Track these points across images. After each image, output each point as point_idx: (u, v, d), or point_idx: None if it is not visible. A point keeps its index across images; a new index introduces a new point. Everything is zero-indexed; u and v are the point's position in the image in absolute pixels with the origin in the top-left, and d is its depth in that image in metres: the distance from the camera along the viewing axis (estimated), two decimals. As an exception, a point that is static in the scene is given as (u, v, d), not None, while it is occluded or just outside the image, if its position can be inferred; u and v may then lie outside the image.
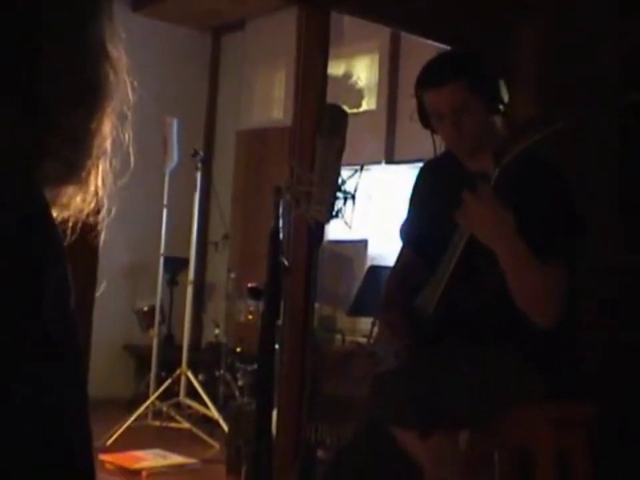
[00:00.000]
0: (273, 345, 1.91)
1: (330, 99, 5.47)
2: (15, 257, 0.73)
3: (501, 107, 2.58)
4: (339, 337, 4.96)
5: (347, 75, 5.77)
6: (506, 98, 2.58)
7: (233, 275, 5.89)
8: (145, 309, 6.03)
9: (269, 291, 1.91)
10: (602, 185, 3.43)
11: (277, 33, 5.98)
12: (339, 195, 2.32)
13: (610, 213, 3.41)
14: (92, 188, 0.92)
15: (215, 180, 6.79)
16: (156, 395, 5.43)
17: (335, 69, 5.72)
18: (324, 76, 3.41)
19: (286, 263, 1.96)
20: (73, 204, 0.91)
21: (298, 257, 3.29)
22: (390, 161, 5.55)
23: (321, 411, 3.92)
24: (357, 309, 4.51)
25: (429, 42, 3.83)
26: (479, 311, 2.54)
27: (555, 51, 3.66)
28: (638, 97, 3.60)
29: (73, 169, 0.87)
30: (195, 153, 5.63)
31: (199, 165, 5.68)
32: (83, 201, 0.92)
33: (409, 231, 2.83)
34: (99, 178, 0.93)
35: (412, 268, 2.79)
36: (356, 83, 5.76)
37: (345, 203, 2.37)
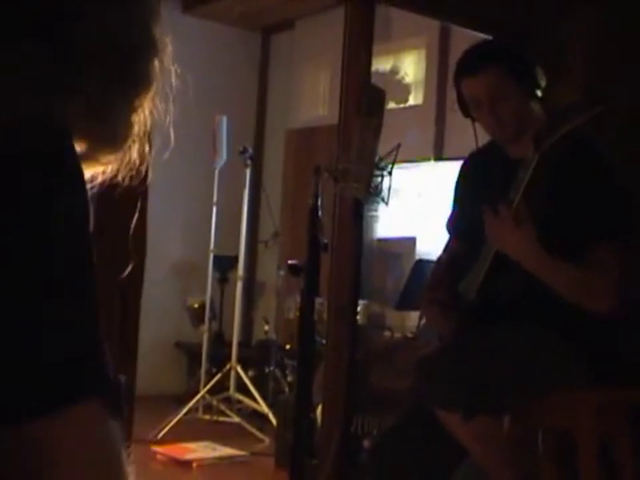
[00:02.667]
0: (312, 321, 1.94)
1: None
2: (28, 170, 0.71)
3: (539, 92, 2.59)
4: (387, 333, 4.97)
5: (394, 71, 5.78)
6: (543, 83, 2.59)
7: (282, 273, 5.92)
8: (196, 305, 6.10)
9: (308, 267, 1.95)
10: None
11: (325, 31, 6.00)
12: (377, 172, 2.35)
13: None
14: (128, 157, 0.92)
15: (265, 178, 6.84)
16: (206, 389, 5.48)
17: (382, 64, 5.74)
18: (368, 67, 3.43)
19: (325, 240, 2.00)
20: (104, 161, 0.90)
21: (340, 236, 3.31)
22: (439, 157, 5.55)
23: (368, 404, 3.95)
24: (404, 303, 4.50)
25: (479, 35, 3.84)
26: (520, 295, 2.55)
27: (604, 36, 3.64)
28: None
29: (108, 127, 0.87)
30: (244, 150, 5.66)
31: (248, 162, 5.71)
32: (118, 162, 0.92)
33: (455, 223, 2.85)
34: (136, 152, 0.93)
35: (459, 257, 2.81)
36: (403, 78, 5.77)
37: (382, 181, 2.39)
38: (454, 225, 2.85)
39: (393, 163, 2.40)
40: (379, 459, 2.61)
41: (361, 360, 4.11)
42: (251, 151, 5.79)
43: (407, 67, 5.76)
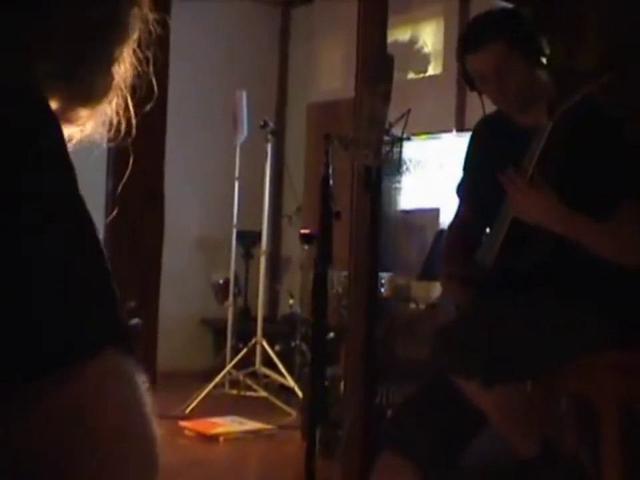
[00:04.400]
0: (326, 290, 1.94)
1: (396, 64, 5.49)
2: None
3: (544, 59, 2.57)
4: (413, 305, 4.97)
5: (413, 40, 5.76)
6: (547, 50, 2.57)
7: (306, 247, 5.93)
8: (221, 281, 6.13)
9: (320, 235, 1.95)
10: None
11: (345, 4, 5.98)
12: (388, 139, 2.34)
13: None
14: (104, 115, 0.90)
15: (287, 152, 6.84)
16: (232, 364, 5.52)
17: (401, 34, 5.73)
18: (383, 38, 3.42)
19: (337, 209, 2.01)
20: (82, 119, 0.88)
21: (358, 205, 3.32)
22: (461, 128, 5.52)
23: (393, 375, 3.97)
24: (427, 273, 4.51)
25: (498, 2, 3.81)
26: (537, 263, 2.55)
27: (618, 3, 3.62)
28: None
29: (84, 83, 0.85)
30: (265, 124, 5.66)
31: (269, 136, 5.72)
32: (93, 122, 0.90)
33: (465, 190, 2.85)
34: (117, 106, 0.90)
35: (469, 225, 2.82)
36: (422, 47, 5.75)
37: (392, 148, 2.39)
38: (464, 191, 2.85)
39: (404, 129, 2.39)
40: (399, 427, 2.63)
41: (385, 331, 4.13)
42: (272, 125, 5.80)
43: (426, 36, 5.74)
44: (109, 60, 0.86)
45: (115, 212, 2.86)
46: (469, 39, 2.62)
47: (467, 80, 2.67)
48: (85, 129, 0.90)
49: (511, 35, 2.55)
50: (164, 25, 0.98)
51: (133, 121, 0.96)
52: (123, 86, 0.89)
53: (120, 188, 2.78)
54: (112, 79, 0.87)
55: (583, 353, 2.46)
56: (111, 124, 0.96)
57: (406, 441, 2.55)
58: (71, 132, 0.89)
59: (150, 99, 1.05)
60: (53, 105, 0.82)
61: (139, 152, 2.91)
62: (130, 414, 0.71)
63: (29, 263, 0.69)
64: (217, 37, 6.55)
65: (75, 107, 0.87)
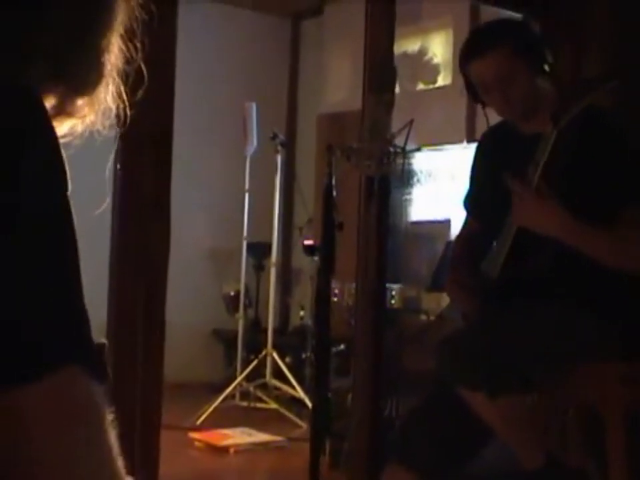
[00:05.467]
0: (329, 301, 1.95)
1: (405, 75, 5.51)
2: None
3: (546, 67, 2.58)
4: (424, 316, 4.97)
5: (422, 52, 5.77)
6: (551, 59, 2.58)
7: (317, 259, 5.92)
8: (232, 293, 6.13)
9: (323, 246, 1.96)
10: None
11: (354, 16, 5.96)
12: (390, 149, 2.35)
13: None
14: (102, 103, 0.88)
15: (298, 164, 6.86)
16: (243, 376, 5.53)
17: (410, 45, 5.74)
18: (390, 49, 3.42)
19: (339, 220, 2.02)
20: (79, 112, 0.87)
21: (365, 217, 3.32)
22: (471, 139, 5.52)
23: (402, 387, 3.97)
24: (437, 284, 4.51)
25: (507, 13, 3.81)
26: (544, 272, 2.55)
27: (621, 13, 3.62)
28: None
29: (77, 77, 0.85)
30: (275, 136, 5.68)
31: (279, 148, 5.74)
32: (93, 112, 0.88)
33: (471, 201, 2.86)
34: (110, 94, 0.89)
35: (476, 236, 2.82)
36: (431, 59, 5.76)
37: (394, 158, 2.40)
38: (470, 202, 2.86)
39: (407, 140, 2.40)
40: (405, 439, 2.63)
41: (394, 342, 4.14)
42: (281, 136, 5.82)
43: (435, 47, 5.74)
44: (100, 49, 0.85)
45: (121, 223, 2.88)
46: (472, 46, 2.63)
47: (469, 90, 2.68)
48: (86, 119, 0.88)
49: (514, 42, 2.56)
50: (169, 26, 0.98)
51: (128, 111, 0.96)
52: (115, 75, 0.88)
53: (127, 198, 2.79)
54: (103, 68, 0.86)
55: (587, 362, 2.46)
56: (117, 116, 0.96)
57: (411, 453, 2.55)
58: (73, 124, 0.88)
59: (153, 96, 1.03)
60: (50, 100, 0.82)
61: (146, 163, 2.93)
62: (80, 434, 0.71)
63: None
64: (226, 48, 6.58)
65: (71, 99, 0.85)
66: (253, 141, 5.75)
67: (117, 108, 0.91)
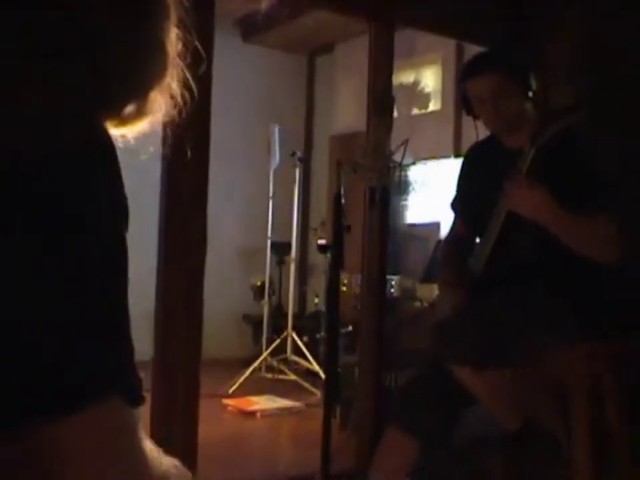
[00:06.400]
0: (339, 290, 1.93)
1: (402, 102, 5.47)
2: (70, 175, 0.66)
3: (531, 93, 2.56)
4: (418, 303, 4.95)
5: (416, 82, 5.75)
6: (534, 86, 2.56)
7: (328, 256, 5.89)
8: (258, 284, 6.12)
9: (333, 245, 1.94)
10: (631, 162, 3.34)
11: (359, 52, 5.96)
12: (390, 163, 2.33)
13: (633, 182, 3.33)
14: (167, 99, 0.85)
15: (313, 176, 6.86)
16: (267, 352, 5.52)
17: (406, 77, 5.72)
18: (389, 79, 3.40)
19: (347, 223, 2.01)
20: (153, 109, 0.83)
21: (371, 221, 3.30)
22: (458, 154, 5.50)
23: (400, 362, 3.94)
24: (428, 277, 4.49)
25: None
26: (521, 267, 2.53)
27: (588, 47, 3.58)
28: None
29: (132, 107, 0.81)
30: (294, 154, 5.67)
31: (298, 163, 5.73)
32: (162, 106, 0.84)
33: (459, 204, 2.83)
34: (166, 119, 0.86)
35: (463, 235, 2.80)
36: (424, 88, 5.73)
37: (392, 171, 2.38)
38: (458, 205, 2.83)
39: (403, 155, 2.38)
40: (402, 407, 2.61)
41: (394, 326, 4.11)
42: (299, 154, 5.80)
43: (427, 78, 5.72)
44: (150, 88, 0.81)
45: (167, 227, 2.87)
46: (472, 66, 2.62)
47: (464, 104, 2.66)
48: (159, 114, 0.84)
49: (507, 67, 2.55)
50: (207, 62, 0.94)
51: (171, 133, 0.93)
52: (162, 106, 0.84)
53: (171, 206, 2.77)
54: (149, 99, 0.82)
55: (557, 342, 2.43)
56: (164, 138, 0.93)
57: (407, 417, 2.54)
58: (123, 132, 0.84)
59: (194, 129, 1.00)
60: (130, 107, 0.80)
61: (187, 176, 2.91)
62: (120, 458, 0.67)
63: (56, 301, 0.64)
64: (255, 80, 6.58)
65: (145, 100, 0.82)
66: (275, 157, 5.76)
67: (164, 131, 0.89)
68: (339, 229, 1.89)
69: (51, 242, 0.64)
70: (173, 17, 0.82)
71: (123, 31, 0.77)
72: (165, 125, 0.89)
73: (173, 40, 0.83)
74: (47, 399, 0.62)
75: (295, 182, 5.75)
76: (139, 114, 0.82)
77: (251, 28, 6.48)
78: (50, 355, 0.63)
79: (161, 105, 0.83)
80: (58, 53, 0.71)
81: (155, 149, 0.98)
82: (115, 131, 0.82)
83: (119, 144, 0.81)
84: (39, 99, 0.67)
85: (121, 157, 0.74)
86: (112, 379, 0.66)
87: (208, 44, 2.69)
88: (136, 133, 0.85)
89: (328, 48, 6.77)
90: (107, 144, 0.71)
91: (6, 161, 0.63)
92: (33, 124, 0.66)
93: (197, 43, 0.88)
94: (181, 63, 0.84)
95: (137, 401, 0.68)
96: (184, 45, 0.85)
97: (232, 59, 5.99)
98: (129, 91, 0.80)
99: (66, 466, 0.63)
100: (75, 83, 0.71)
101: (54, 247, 0.64)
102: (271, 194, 5.85)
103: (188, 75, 0.86)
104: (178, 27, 0.83)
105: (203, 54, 0.95)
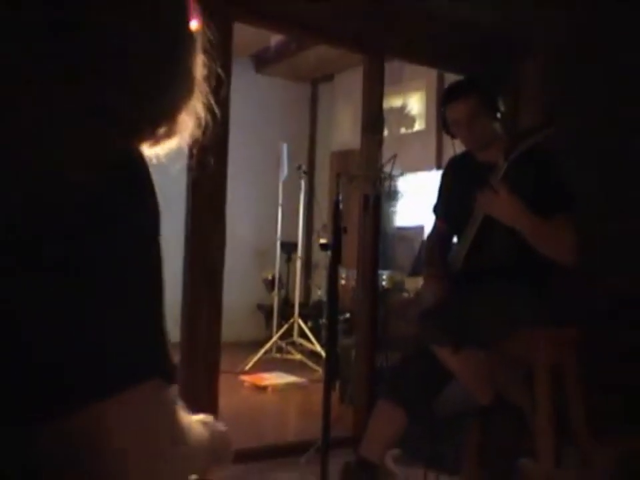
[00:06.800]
0: (337, 283, 1.92)
1: (391, 123, 5.45)
2: (110, 195, 0.64)
3: (499, 115, 2.55)
4: (406, 294, 4.93)
5: (404, 106, 5.74)
6: (503, 109, 2.55)
7: (329, 254, 5.87)
8: (269, 278, 6.12)
9: (333, 244, 1.93)
10: (588, 175, 3.33)
11: (355, 81, 5.96)
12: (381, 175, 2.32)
13: (591, 192, 3.33)
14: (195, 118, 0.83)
15: (316, 186, 6.83)
16: (277, 336, 5.52)
17: (395, 102, 5.71)
18: (380, 104, 3.39)
19: (344, 225, 2.00)
20: (182, 128, 0.81)
21: (365, 224, 3.29)
22: (439, 167, 5.48)
23: (390, 343, 3.93)
24: (414, 271, 4.48)
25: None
26: (494, 263, 2.52)
27: (551, 76, 3.58)
28: (616, 111, 3.48)
29: (162, 130, 0.79)
30: (299, 167, 5.67)
31: (303, 175, 5.72)
32: (190, 125, 0.83)
33: (440, 209, 2.82)
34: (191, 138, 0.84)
35: (443, 236, 2.78)
36: (410, 111, 5.72)
37: (383, 182, 2.36)
38: (439, 209, 2.82)
39: (391, 168, 2.37)
40: (392, 382, 2.60)
41: (385, 313, 4.10)
42: (304, 168, 5.81)
43: (413, 103, 5.70)
44: (179, 110, 0.79)
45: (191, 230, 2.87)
46: (450, 93, 2.60)
47: (444, 125, 2.63)
48: (186, 133, 0.82)
49: (480, 93, 2.53)
50: (224, 90, 0.93)
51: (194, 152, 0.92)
52: (186, 132, 0.82)
53: (195, 213, 2.77)
54: (178, 120, 0.80)
55: (523, 328, 2.42)
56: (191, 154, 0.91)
57: (396, 392, 2.52)
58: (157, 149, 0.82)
59: (213, 148, 0.99)
60: (147, 144, 0.78)
61: (208, 190, 2.91)
62: (162, 432, 0.66)
63: (104, 301, 0.63)
64: (266, 105, 6.57)
65: (174, 120, 0.80)
66: (284, 170, 5.75)
67: (190, 147, 0.88)
68: (337, 231, 1.88)
69: (101, 246, 0.63)
70: (199, 45, 0.80)
71: (157, 60, 0.75)
72: (191, 143, 0.88)
73: (199, 65, 0.81)
74: (99, 382, 0.62)
75: (300, 191, 5.75)
76: (170, 134, 0.80)
77: (263, 61, 6.47)
78: (102, 344, 0.62)
79: (187, 125, 0.82)
80: (100, 79, 0.69)
81: (182, 163, 0.97)
82: (150, 150, 0.80)
83: (153, 160, 0.79)
84: (82, 125, 0.66)
85: (155, 170, 0.73)
86: (153, 363, 0.65)
87: (226, 75, 2.69)
88: (167, 150, 0.83)
89: (328, 77, 6.77)
90: (142, 164, 0.70)
91: (58, 181, 0.62)
92: (78, 150, 0.64)
93: (218, 69, 0.87)
94: (206, 87, 0.83)
95: (174, 380, 0.67)
96: (208, 70, 0.83)
97: (247, 87, 5.97)
98: (162, 114, 0.78)
99: (115, 438, 0.62)
100: (115, 113, 0.69)
101: (105, 249, 0.63)
102: (280, 201, 5.84)
103: (211, 99, 0.84)
104: (203, 54, 0.82)
105: (224, 77, 0.93)
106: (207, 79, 0.83)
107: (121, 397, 0.62)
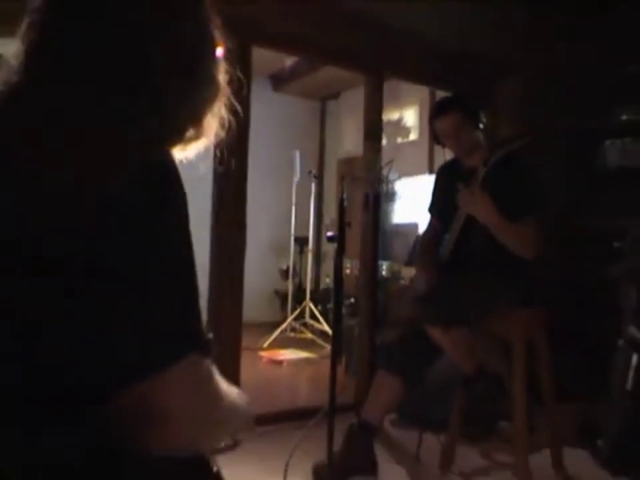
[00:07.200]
0: (342, 271, 1.93)
1: (389, 133, 5.44)
2: (148, 190, 0.64)
3: (481, 126, 2.54)
4: (402, 281, 4.93)
5: (400, 119, 5.72)
6: (484, 121, 2.55)
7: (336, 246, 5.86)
8: (284, 267, 6.13)
9: (338, 236, 1.94)
10: (557, 178, 3.34)
11: (359, 97, 5.94)
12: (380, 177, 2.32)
13: (560, 192, 3.33)
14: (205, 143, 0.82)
15: (325, 189, 6.85)
16: (291, 317, 5.53)
17: (393, 116, 5.69)
18: (379, 117, 3.40)
19: (348, 220, 2.00)
20: (207, 132, 0.80)
21: (367, 220, 3.29)
22: (431, 172, 5.47)
23: (388, 322, 3.94)
24: (410, 262, 4.48)
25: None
26: (475, 255, 2.52)
27: (526, 94, 3.57)
28: (586, 125, 3.49)
29: (189, 134, 0.79)
30: (310, 172, 5.69)
31: (314, 179, 5.73)
32: (214, 129, 0.81)
33: (433, 208, 2.82)
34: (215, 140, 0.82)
35: (436, 231, 2.79)
36: (405, 123, 5.70)
37: (382, 184, 2.36)
38: (433, 209, 2.82)
39: (389, 172, 2.37)
40: (390, 355, 2.61)
41: (384, 298, 4.10)
42: (314, 172, 5.82)
43: (408, 116, 5.69)
44: (204, 114, 0.79)
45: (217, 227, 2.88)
46: (438, 108, 2.59)
47: (434, 136, 2.64)
48: (211, 136, 0.81)
49: (464, 108, 2.53)
50: (245, 106, 0.91)
51: (218, 153, 0.90)
52: (212, 133, 0.81)
53: (220, 212, 2.78)
54: (203, 124, 0.79)
55: (502, 309, 2.42)
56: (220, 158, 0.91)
57: (394, 363, 2.53)
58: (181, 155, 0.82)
59: (234, 154, 0.97)
60: (177, 147, 0.77)
61: (231, 188, 2.91)
62: (204, 399, 0.67)
63: (148, 287, 0.63)
64: (282, 118, 6.57)
65: (188, 146, 0.80)
66: (297, 174, 5.76)
67: (215, 152, 0.87)
68: (342, 225, 1.89)
69: (143, 241, 0.63)
70: (221, 54, 0.79)
71: (185, 70, 0.74)
72: (216, 147, 0.87)
73: (223, 72, 0.80)
74: (152, 361, 0.63)
75: (311, 193, 5.76)
76: (197, 136, 0.80)
77: (279, 81, 6.47)
78: (152, 328, 0.63)
79: (212, 127, 0.81)
80: (134, 97, 0.69)
81: (208, 165, 0.97)
82: (181, 153, 0.80)
83: (184, 161, 0.79)
84: (122, 137, 0.65)
85: (185, 170, 0.72)
86: (192, 342, 0.66)
87: (246, 92, 2.70)
88: (196, 150, 0.82)
89: (335, 95, 6.76)
90: (171, 165, 0.69)
91: (99, 186, 0.62)
92: (118, 159, 0.64)
93: (238, 73, 0.85)
94: (228, 91, 0.81)
95: (209, 353, 0.69)
96: (229, 77, 0.82)
97: (265, 103, 5.98)
98: (189, 120, 0.77)
99: (168, 404, 0.63)
100: (147, 126, 0.68)
101: (147, 245, 0.63)
102: (293, 201, 5.85)
103: (233, 100, 0.82)
104: (225, 60, 0.80)
105: (244, 80, 0.89)
106: (229, 83, 0.82)
107: (169, 371, 0.63)
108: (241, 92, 0.88)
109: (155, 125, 0.69)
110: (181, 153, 0.80)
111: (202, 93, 0.77)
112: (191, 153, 0.82)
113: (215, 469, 0.74)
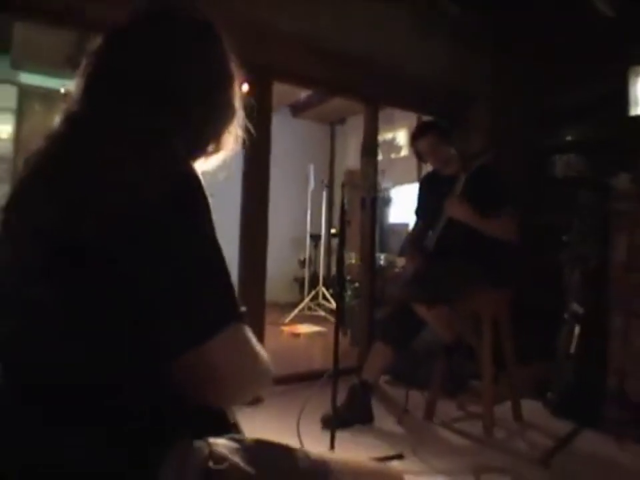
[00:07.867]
0: (343, 259, 1.92)
1: (384, 150, 5.40)
2: (176, 202, 0.63)
3: (452, 142, 2.54)
4: (396, 269, 4.91)
5: (393, 139, 5.70)
6: (455, 138, 2.54)
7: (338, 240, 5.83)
8: (302, 259, 6.13)
9: (339, 233, 1.94)
10: (519, 182, 3.30)
11: (360, 123, 5.91)
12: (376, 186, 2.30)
13: (521, 194, 3.30)
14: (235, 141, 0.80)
15: (335, 195, 6.79)
16: (308, 299, 5.51)
17: (387, 136, 5.66)
18: (375, 137, 3.39)
19: (348, 219, 1.99)
20: (227, 146, 0.79)
21: (365, 219, 3.27)
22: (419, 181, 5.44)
23: (385, 302, 3.92)
24: (402, 253, 4.45)
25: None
26: (455, 246, 2.51)
27: (494, 116, 3.54)
28: (541, 142, 3.47)
29: (211, 149, 0.79)
30: (322, 181, 5.68)
31: (325, 188, 5.72)
32: (234, 142, 0.80)
33: (419, 211, 2.82)
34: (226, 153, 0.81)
35: (420, 229, 2.78)
36: (398, 142, 5.68)
37: (377, 190, 2.34)
38: (418, 211, 2.82)
39: (383, 180, 2.35)
40: (384, 327, 2.61)
41: (382, 283, 4.09)
42: (326, 182, 5.80)
43: (400, 137, 5.66)
44: (222, 132, 0.79)
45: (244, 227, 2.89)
46: (418, 131, 2.59)
47: (417, 155, 2.64)
48: (229, 150, 0.80)
49: (439, 130, 2.52)
50: (266, 129, 0.90)
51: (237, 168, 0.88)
52: (229, 148, 0.80)
53: (248, 216, 2.77)
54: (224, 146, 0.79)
55: (475, 290, 2.42)
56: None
57: (387, 334, 2.54)
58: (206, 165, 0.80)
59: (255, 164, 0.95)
60: (200, 160, 0.76)
61: (255, 197, 2.89)
62: (247, 357, 0.67)
63: (194, 268, 0.63)
64: (299, 139, 6.55)
65: (209, 158, 0.80)
66: (311, 184, 5.75)
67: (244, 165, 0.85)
68: (343, 223, 1.89)
69: (181, 244, 0.63)
70: (237, 82, 0.78)
71: (208, 99, 0.74)
72: (245, 160, 0.85)
73: (238, 96, 0.79)
74: (203, 329, 0.63)
75: (323, 198, 5.74)
76: (216, 150, 0.80)
77: (297, 109, 6.45)
78: (205, 304, 0.64)
79: (230, 143, 0.80)
80: (166, 121, 0.68)
81: (234, 178, 0.94)
82: (206, 165, 0.79)
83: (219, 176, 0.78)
84: (153, 152, 0.65)
85: (218, 182, 0.72)
86: (232, 312, 0.66)
87: (268, 118, 2.70)
88: (218, 161, 0.81)
89: (342, 120, 6.72)
90: (195, 177, 0.68)
91: (135, 199, 0.62)
92: (149, 173, 0.63)
93: (252, 100, 0.84)
94: (242, 113, 0.80)
95: (245, 322, 0.69)
96: (244, 101, 0.81)
97: (285, 127, 5.97)
98: (210, 138, 0.78)
99: (219, 363, 0.63)
100: (176, 145, 0.67)
101: (187, 247, 0.63)
102: (309, 205, 5.83)
103: (246, 122, 0.82)
104: (239, 87, 0.79)
105: (255, 104, 0.87)
106: (244, 107, 0.81)
107: (218, 336, 0.63)
108: (265, 119, 0.87)
109: (183, 142, 0.69)
110: (204, 164, 0.79)
111: (221, 117, 0.77)
112: (212, 164, 0.81)
113: (232, 420, 0.74)
